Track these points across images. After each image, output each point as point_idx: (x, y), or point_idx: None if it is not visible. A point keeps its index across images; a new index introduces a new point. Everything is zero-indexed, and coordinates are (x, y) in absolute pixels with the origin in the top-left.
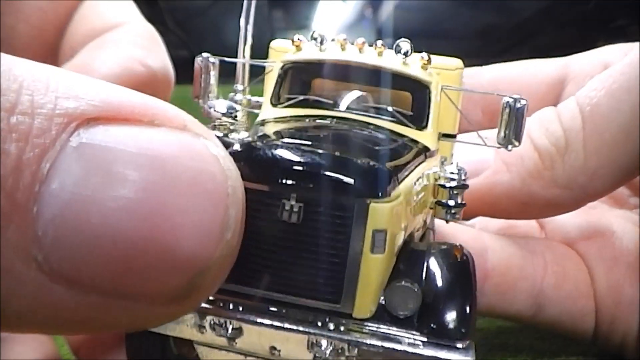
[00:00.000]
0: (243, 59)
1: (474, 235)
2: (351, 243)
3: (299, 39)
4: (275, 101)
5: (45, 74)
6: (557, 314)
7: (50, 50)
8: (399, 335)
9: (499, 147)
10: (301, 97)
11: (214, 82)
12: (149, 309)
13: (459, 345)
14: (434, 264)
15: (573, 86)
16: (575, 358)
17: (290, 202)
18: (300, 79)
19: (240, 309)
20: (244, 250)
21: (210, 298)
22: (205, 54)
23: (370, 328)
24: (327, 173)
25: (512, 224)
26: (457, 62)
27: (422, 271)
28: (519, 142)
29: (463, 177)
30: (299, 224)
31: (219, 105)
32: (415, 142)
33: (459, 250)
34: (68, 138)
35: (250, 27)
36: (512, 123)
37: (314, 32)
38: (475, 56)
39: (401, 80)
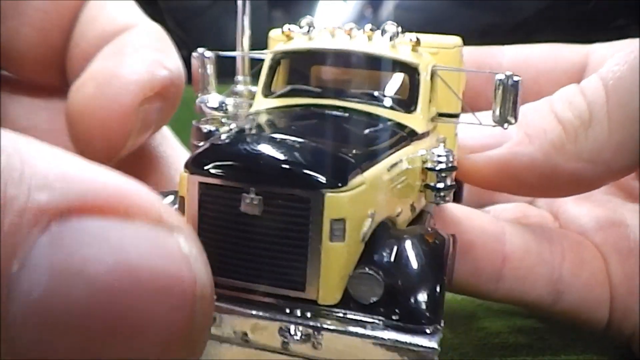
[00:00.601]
0: (241, 51)
1: (491, 219)
2: (310, 233)
3: (289, 29)
4: (267, 92)
5: (20, 159)
6: (575, 301)
7: (56, 53)
8: (363, 321)
9: (494, 126)
10: (289, 88)
11: (211, 75)
12: None
13: (425, 330)
14: (404, 249)
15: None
16: (575, 357)
17: (250, 195)
18: (291, 68)
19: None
20: (213, 242)
21: None
22: (200, 49)
23: (337, 314)
24: (283, 166)
25: (526, 214)
26: (455, 40)
27: (391, 256)
28: (516, 119)
29: (451, 159)
30: (260, 216)
31: (211, 101)
32: (401, 126)
33: (432, 235)
34: (39, 235)
35: (247, 19)
36: (507, 101)
37: (301, 20)
38: None
39: (389, 64)
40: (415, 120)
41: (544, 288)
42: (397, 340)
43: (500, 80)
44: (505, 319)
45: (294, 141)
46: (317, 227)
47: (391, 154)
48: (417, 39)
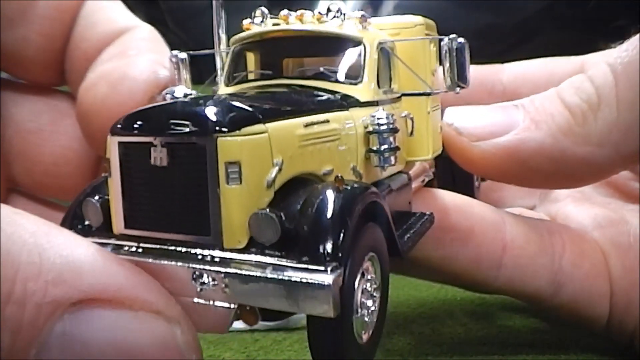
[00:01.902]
0: (213, 49)
1: (492, 209)
2: (208, 177)
3: (250, 22)
4: (227, 81)
5: (38, 254)
6: (575, 293)
7: (58, 55)
8: (264, 263)
9: (445, 92)
10: (243, 74)
11: (186, 75)
12: None
13: (322, 268)
14: (310, 195)
15: None
16: (575, 357)
17: (157, 149)
18: (248, 56)
19: (135, 250)
20: (133, 197)
21: (117, 243)
22: (174, 52)
23: (240, 258)
24: (182, 118)
25: (525, 213)
26: (416, 19)
27: (297, 201)
28: (465, 82)
29: (391, 122)
30: (167, 167)
31: (178, 91)
32: (343, 96)
33: (340, 182)
34: (53, 325)
35: (223, 19)
36: (455, 64)
37: (255, 11)
38: (475, 56)
39: (334, 41)
40: (360, 91)
41: (544, 278)
42: (293, 279)
43: (445, 44)
44: (505, 317)
45: (200, 101)
46: (214, 172)
47: (313, 114)
48: (362, 15)
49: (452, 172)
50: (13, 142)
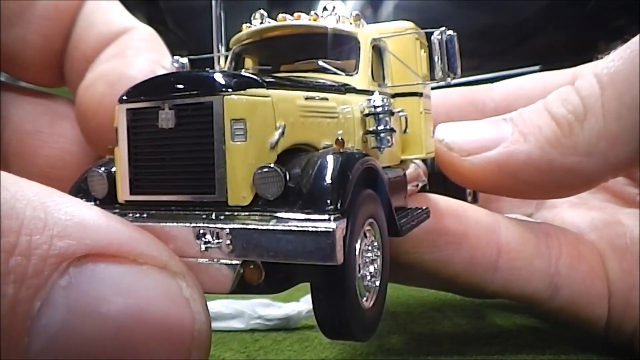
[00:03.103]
0: (213, 53)
1: (487, 213)
2: (215, 135)
3: (248, 25)
4: None
5: (44, 211)
6: (573, 295)
7: (57, 55)
8: (268, 216)
9: (437, 83)
10: (244, 72)
11: None
12: None
13: (325, 216)
14: (312, 156)
15: None
16: (575, 357)
17: (164, 112)
18: (250, 56)
19: (140, 216)
20: (141, 162)
21: (121, 211)
22: (176, 57)
23: (244, 214)
24: (189, 81)
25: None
26: (407, 25)
27: (300, 161)
28: (455, 73)
29: (387, 104)
30: (174, 128)
31: (183, 59)
32: (339, 83)
33: (340, 144)
34: (58, 278)
35: (222, 20)
36: (445, 56)
37: (254, 13)
38: (475, 56)
39: (332, 37)
40: (356, 81)
41: (541, 281)
42: (298, 229)
43: (434, 37)
44: (505, 318)
45: (206, 69)
46: (220, 129)
47: (313, 90)
48: (357, 15)
49: (444, 186)
50: (11, 143)
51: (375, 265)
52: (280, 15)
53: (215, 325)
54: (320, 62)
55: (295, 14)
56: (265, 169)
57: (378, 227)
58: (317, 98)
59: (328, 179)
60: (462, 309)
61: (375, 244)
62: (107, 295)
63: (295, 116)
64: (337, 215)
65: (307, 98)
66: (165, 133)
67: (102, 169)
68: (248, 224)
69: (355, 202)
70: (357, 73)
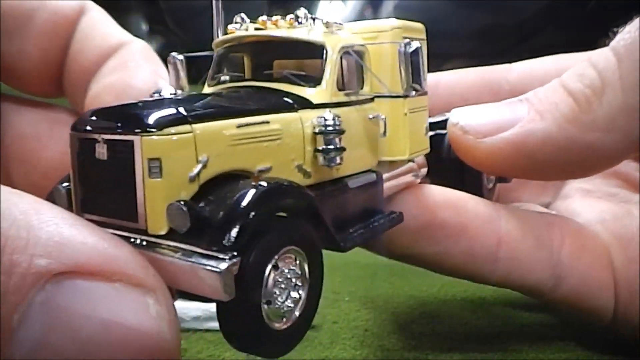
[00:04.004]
0: (211, 51)
1: (487, 203)
2: (136, 171)
3: (234, 28)
4: (210, 82)
5: (27, 229)
6: (577, 285)
7: (55, 68)
8: (178, 248)
9: (403, 97)
10: (218, 76)
11: (183, 76)
12: None
13: (220, 256)
14: (226, 190)
15: None
16: (576, 355)
17: (100, 144)
18: (229, 59)
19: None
20: (83, 185)
21: None
22: (173, 53)
23: (164, 242)
24: (118, 118)
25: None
26: (392, 22)
27: (217, 194)
28: (421, 85)
29: (337, 123)
30: (107, 160)
31: (164, 91)
32: (296, 97)
33: (256, 178)
34: (36, 294)
35: (222, 19)
36: (409, 67)
37: (235, 17)
38: (475, 56)
39: (298, 45)
40: (319, 93)
41: (543, 272)
42: (194, 264)
43: (400, 49)
44: (506, 317)
45: (140, 104)
46: (139, 166)
47: (254, 115)
48: (327, 21)
49: (461, 174)
50: (12, 148)
51: (299, 292)
52: (260, 19)
53: (215, 325)
54: (285, 72)
55: (274, 18)
56: (173, 205)
57: (305, 253)
58: (255, 123)
59: (229, 218)
60: (462, 309)
61: (299, 270)
62: (79, 311)
63: (223, 146)
64: (232, 254)
65: (239, 126)
66: (101, 163)
67: (64, 184)
68: (158, 254)
69: (262, 235)
70: (320, 84)
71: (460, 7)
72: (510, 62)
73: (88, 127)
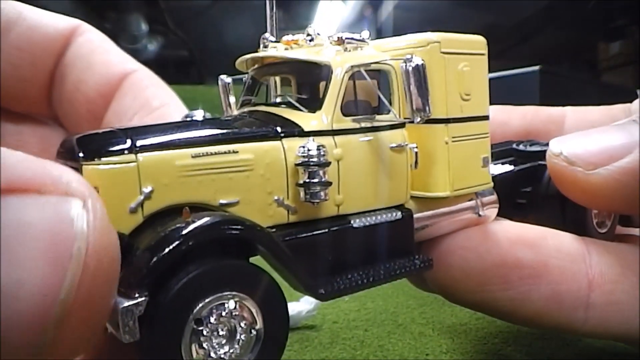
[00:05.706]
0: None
1: (572, 238)
2: None
3: (264, 48)
4: (239, 104)
5: None
6: None
7: (42, 89)
8: None
9: (417, 122)
10: (241, 99)
11: (232, 100)
12: None
13: (131, 294)
14: (164, 224)
15: None
16: (574, 357)
17: None
18: (255, 81)
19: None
20: None
21: None
22: (222, 76)
23: None
24: (72, 147)
25: None
26: (431, 37)
27: (150, 228)
28: (424, 111)
29: (322, 154)
30: None
31: (197, 114)
32: (281, 125)
33: (187, 215)
34: None
35: (274, 31)
36: (409, 88)
37: (261, 37)
38: None
39: (305, 66)
40: (313, 120)
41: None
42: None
43: (403, 68)
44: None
45: (100, 133)
46: None
47: (216, 144)
48: (339, 38)
49: (562, 212)
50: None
51: (245, 345)
52: (284, 38)
53: None
54: (287, 96)
55: (295, 37)
56: None
57: (256, 300)
58: (214, 153)
59: (142, 259)
60: (462, 309)
61: (244, 323)
62: (10, 224)
63: (172, 177)
64: (136, 295)
65: (195, 156)
66: None
67: None
68: None
69: (184, 277)
70: (319, 108)
71: (460, 7)
72: (510, 62)
73: (60, 153)
